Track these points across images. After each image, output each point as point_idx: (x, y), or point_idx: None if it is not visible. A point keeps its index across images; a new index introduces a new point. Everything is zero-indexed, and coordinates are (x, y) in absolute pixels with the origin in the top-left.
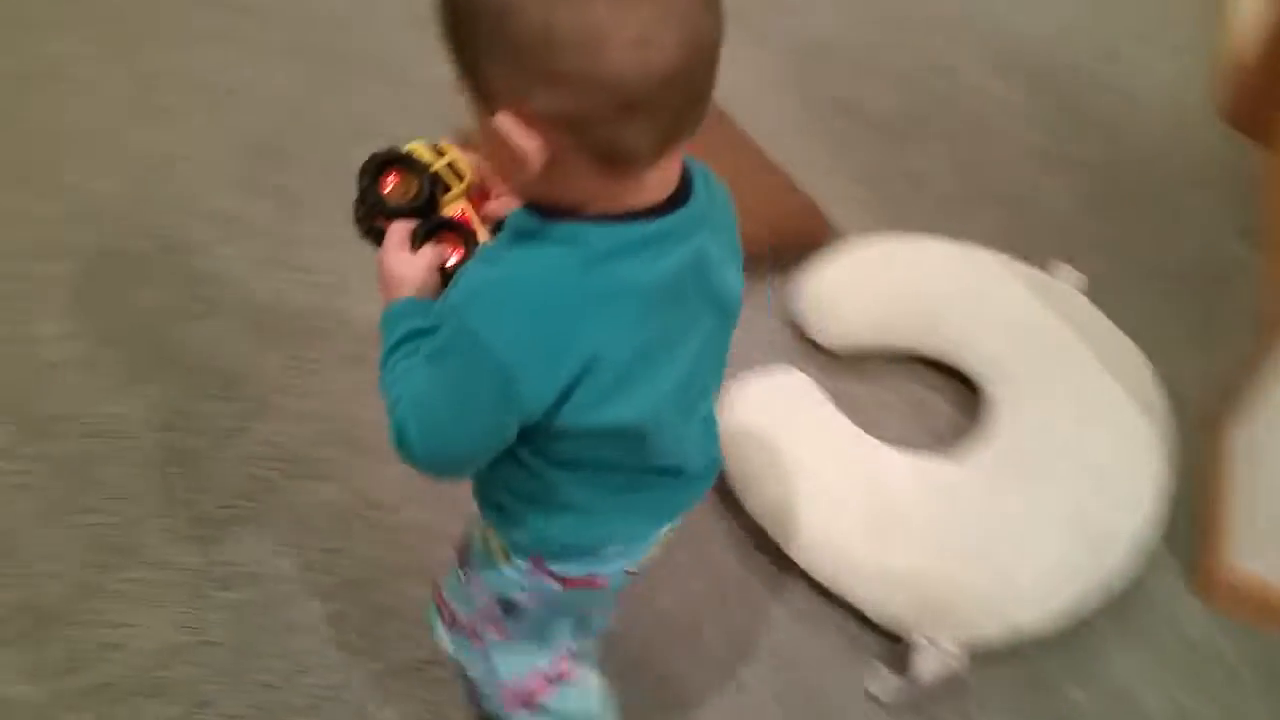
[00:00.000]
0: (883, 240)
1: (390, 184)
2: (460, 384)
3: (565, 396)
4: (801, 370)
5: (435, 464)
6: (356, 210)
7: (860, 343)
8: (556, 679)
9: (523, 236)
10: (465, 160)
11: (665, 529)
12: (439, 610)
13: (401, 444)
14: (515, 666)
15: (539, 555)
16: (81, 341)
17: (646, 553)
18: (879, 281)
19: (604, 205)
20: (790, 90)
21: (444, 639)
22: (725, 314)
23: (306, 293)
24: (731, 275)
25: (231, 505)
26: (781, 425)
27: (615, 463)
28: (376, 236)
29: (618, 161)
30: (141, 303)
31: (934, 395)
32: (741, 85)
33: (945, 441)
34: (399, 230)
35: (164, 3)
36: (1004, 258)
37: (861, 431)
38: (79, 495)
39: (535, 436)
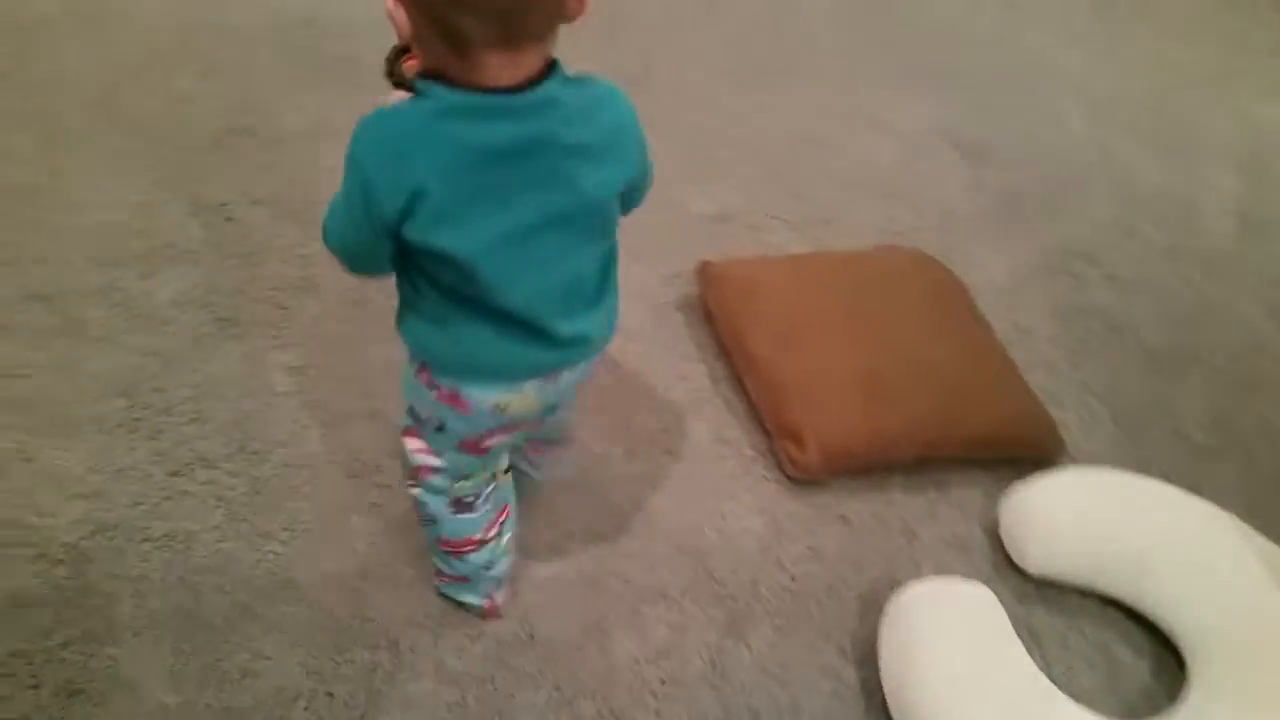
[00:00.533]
0: (1111, 471)
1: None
2: (346, 192)
3: (407, 214)
4: (991, 587)
5: (338, 253)
6: (387, 72)
7: (1061, 574)
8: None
9: (415, 92)
10: None
11: (529, 389)
12: (407, 469)
13: (323, 237)
14: (435, 509)
15: (424, 364)
16: (307, 378)
17: (518, 401)
18: (1095, 514)
19: (456, 75)
20: (1047, 290)
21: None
22: (583, 203)
23: None
24: (595, 174)
25: (397, 569)
26: (954, 640)
27: (466, 293)
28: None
29: (459, 43)
30: (373, 357)
31: (1132, 655)
32: (997, 273)
33: (1136, 713)
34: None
35: None
36: (1241, 523)
37: (1040, 673)
38: (263, 519)
39: (406, 253)
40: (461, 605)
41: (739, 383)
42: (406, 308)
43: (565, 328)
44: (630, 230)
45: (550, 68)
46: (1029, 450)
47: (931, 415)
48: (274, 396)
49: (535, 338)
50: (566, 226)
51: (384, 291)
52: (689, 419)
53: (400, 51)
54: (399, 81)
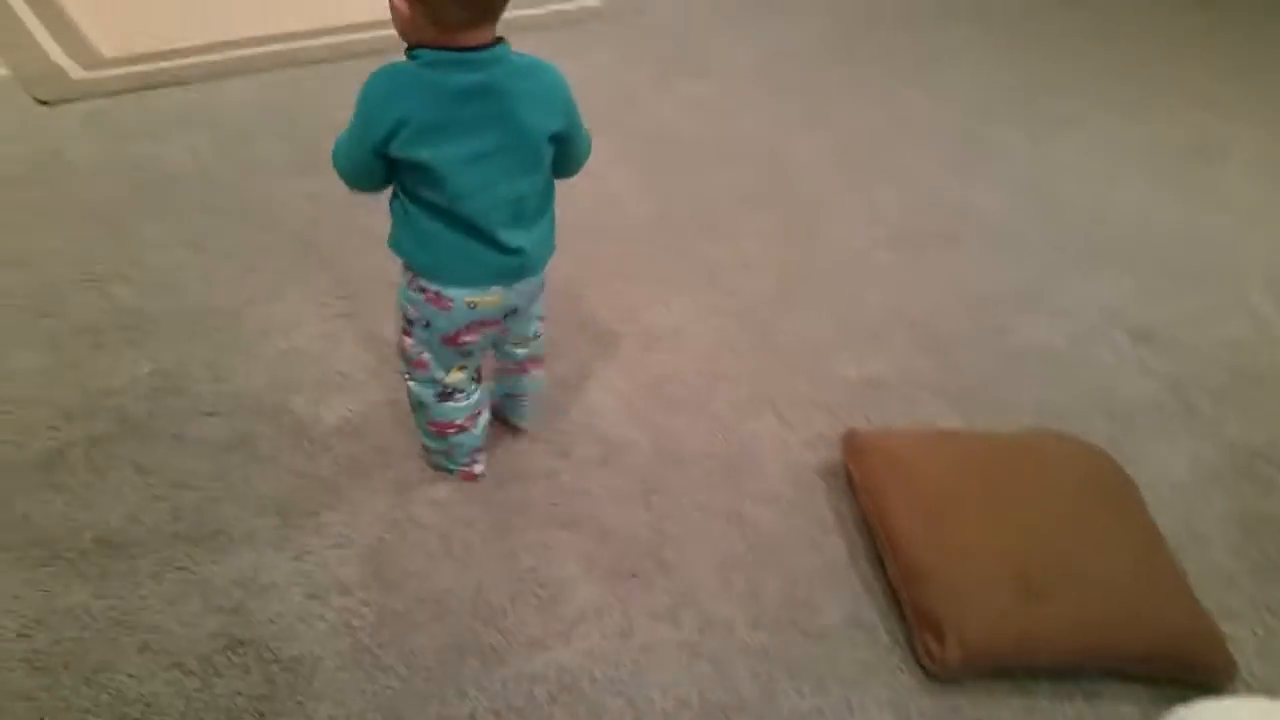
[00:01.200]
0: None
1: None
2: (352, 123)
3: (393, 135)
4: None
5: (342, 171)
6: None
7: None
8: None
9: (409, 58)
10: None
11: (504, 296)
12: (400, 358)
13: (332, 161)
14: (422, 394)
15: (411, 269)
16: (448, 514)
17: (492, 310)
18: None
19: (440, 43)
20: (1227, 494)
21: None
22: (523, 136)
23: None
24: (531, 115)
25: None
26: None
27: (439, 204)
28: None
29: (443, 24)
30: (513, 497)
31: None
32: (1169, 471)
33: None
34: None
35: None
36: None
37: None
38: (386, 652)
39: (395, 172)
40: (448, 471)
41: (879, 560)
42: (397, 225)
43: (511, 239)
44: (777, 387)
45: (499, 39)
46: (1195, 670)
47: (1087, 621)
48: (415, 528)
49: (490, 246)
50: (511, 154)
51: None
52: (823, 594)
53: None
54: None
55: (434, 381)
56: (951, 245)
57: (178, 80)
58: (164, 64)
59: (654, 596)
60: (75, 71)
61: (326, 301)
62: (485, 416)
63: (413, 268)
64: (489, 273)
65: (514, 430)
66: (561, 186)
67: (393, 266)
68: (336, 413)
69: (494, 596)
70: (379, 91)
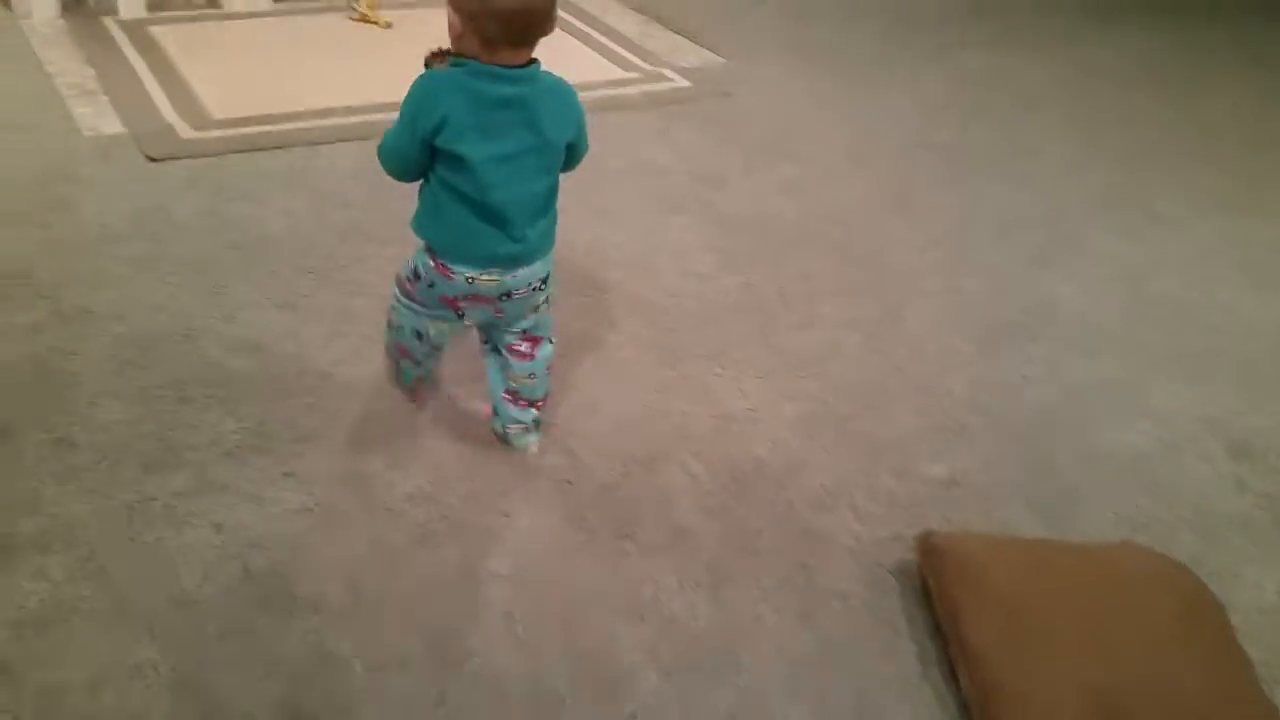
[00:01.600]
0: None
1: (435, 60)
2: (400, 118)
3: (437, 131)
4: None
5: (386, 161)
6: (426, 64)
7: None
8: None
9: (452, 65)
10: None
11: (500, 277)
12: (396, 284)
13: (378, 153)
14: (400, 319)
15: (428, 244)
16: (514, 589)
17: (490, 288)
18: None
19: (483, 59)
20: None
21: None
22: (544, 143)
23: None
24: (552, 126)
25: None
26: None
27: (466, 192)
28: None
29: (488, 42)
30: (581, 582)
31: None
32: (1262, 595)
33: None
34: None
35: None
36: None
37: None
38: None
39: (434, 163)
40: (394, 378)
41: (952, 672)
42: (423, 211)
43: (520, 230)
44: (853, 480)
45: (534, 60)
46: None
47: None
48: (479, 604)
49: (501, 233)
50: (534, 156)
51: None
52: (890, 703)
53: (433, 56)
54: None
55: (414, 315)
56: (1038, 340)
57: (279, 144)
58: (268, 127)
59: (718, 694)
60: (185, 131)
61: None
62: (425, 370)
63: (430, 246)
64: (492, 257)
65: (579, 514)
66: (649, 265)
67: None
68: (413, 481)
69: (553, 683)
70: (427, 91)
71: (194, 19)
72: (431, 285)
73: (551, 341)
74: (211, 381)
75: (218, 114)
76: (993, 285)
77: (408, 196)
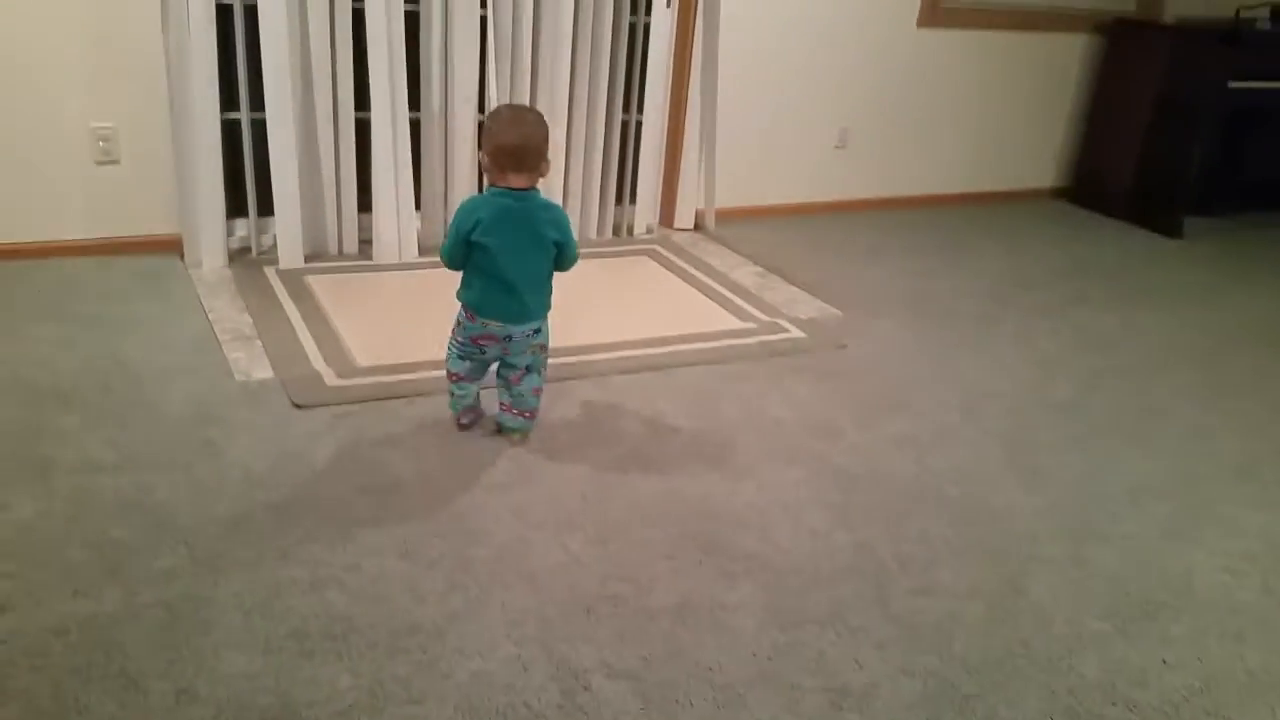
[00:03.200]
0: None
1: None
2: (453, 225)
3: (474, 229)
4: None
5: (447, 259)
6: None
7: None
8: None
9: (486, 190)
10: None
11: (506, 325)
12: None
13: (440, 255)
14: (451, 350)
15: (464, 303)
16: None
17: (498, 330)
18: None
19: (500, 184)
20: None
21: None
22: (540, 239)
23: None
24: (545, 229)
25: None
26: None
27: (489, 269)
28: None
29: (501, 169)
30: None
31: None
32: None
33: None
34: None
35: None
36: None
37: None
38: None
39: (470, 253)
40: (452, 408)
41: None
42: (463, 283)
43: (525, 296)
44: None
45: (534, 187)
46: None
47: None
48: None
49: (511, 297)
50: (531, 248)
51: None
52: None
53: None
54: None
55: (459, 348)
56: (1175, 620)
57: (417, 391)
58: (407, 375)
59: None
60: (330, 378)
61: (521, 621)
62: (475, 389)
63: (465, 304)
64: (498, 310)
65: None
66: (763, 520)
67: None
68: None
69: None
70: (469, 206)
71: (347, 269)
72: (464, 327)
73: (540, 375)
74: (333, 634)
75: (362, 361)
76: (1122, 556)
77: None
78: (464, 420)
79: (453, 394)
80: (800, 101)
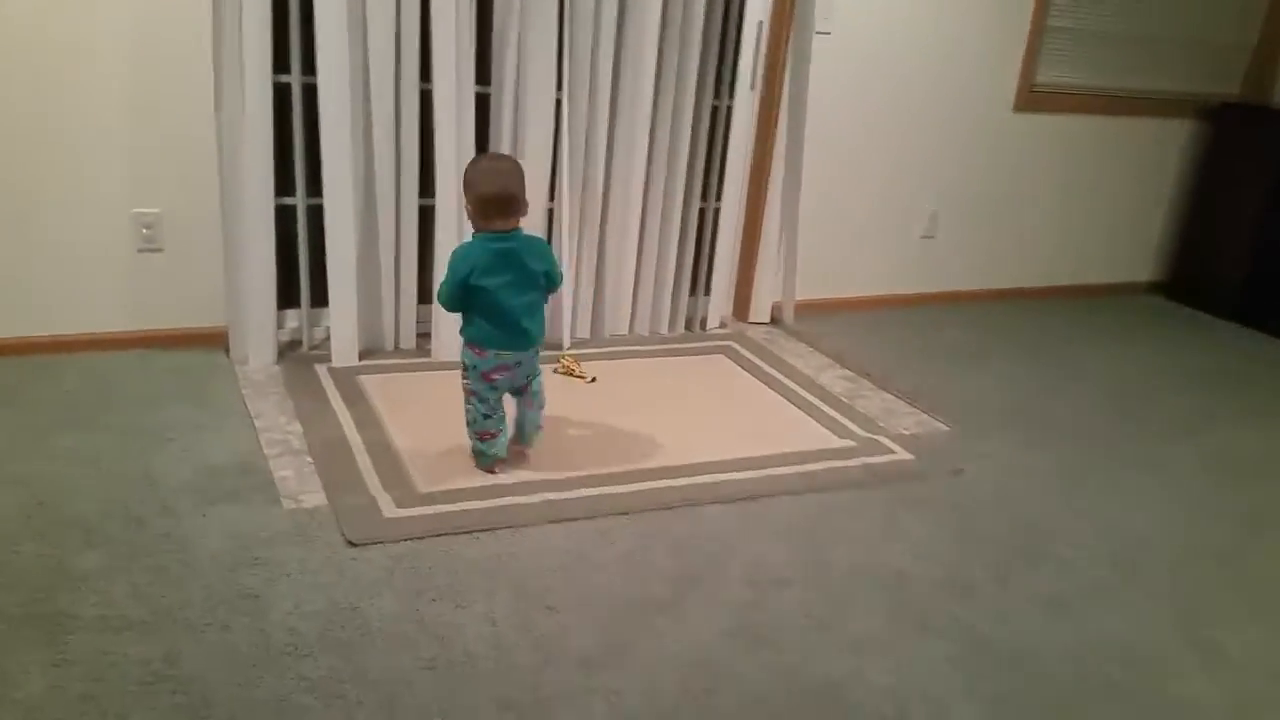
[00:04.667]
0: None
1: None
2: (448, 274)
3: (470, 274)
4: None
5: (445, 302)
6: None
7: None
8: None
9: (474, 238)
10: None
11: (514, 354)
12: (465, 396)
13: (437, 298)
14: (474, 415)
15: (470, 340)
16: None
17: (509, 359)
18: None
19: (486, 229)
20: None
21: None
22: (529, 274)
23: None
24: (532, 263)
25: None
26: None
27: (491, 307)
28: None
29: (486, 216)
30: None
31: None
32: None
33: None
34: None
35: None
36: None
37: None
38: None
39: (468, 295)
40: (479, 460)
41: None
42: (466, 323)
43: (524, 324)
44: None
45: (517, 226)
46: None
47: None
48: None
49: (512, 328)
50: (524, 282)
51: None
52: None
53: None
54: None
55: (479, 403)
56: None
57: (483, 524)
58: (472, 504)
59: None
60: (388, 507)
61: None
62: (505, 435)
63: (471, 340)
64: (505, 341)
65: None
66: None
67: None
68: None
69: None
70: (462, 253)
71: (404, 368)
72: (475, 367)
73: (540, 383)
74: None
75: (422, 484)
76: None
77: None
78: (496, 470)
79: (484, 453)
80: (887, 188)
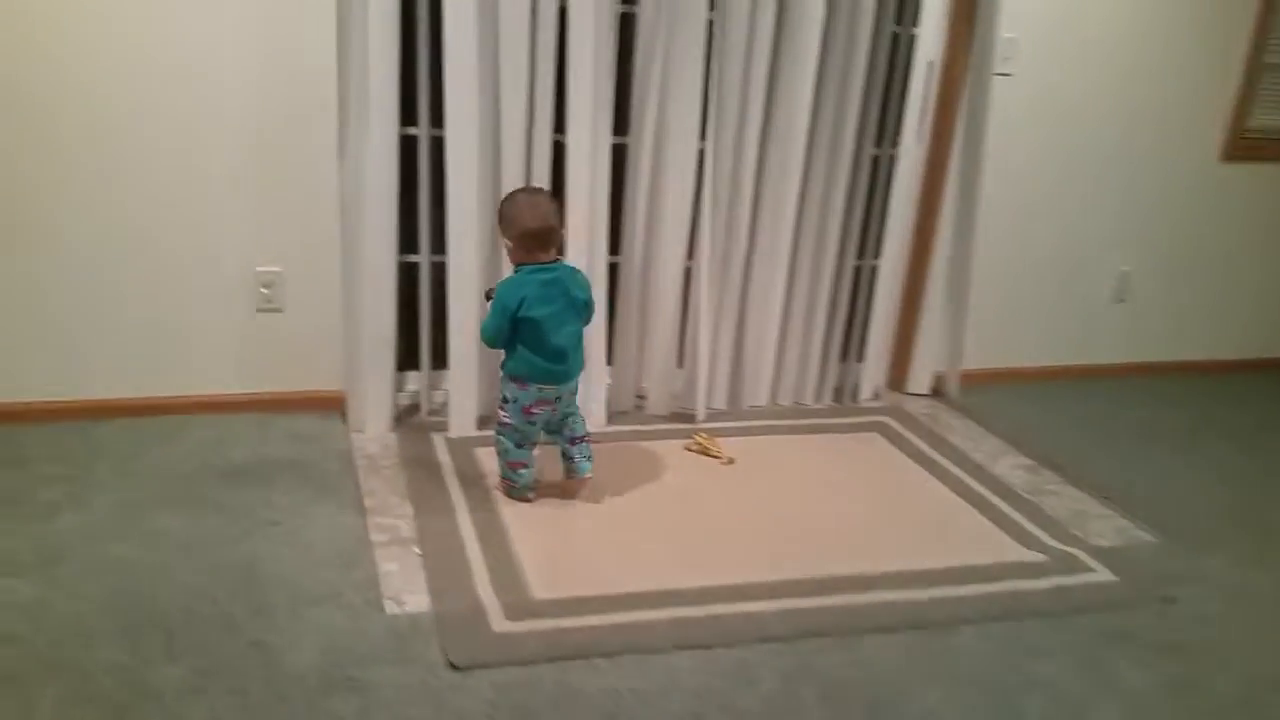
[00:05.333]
0: None
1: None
2: (497, 309)
3: (519, 307)
4: None
5: (489, 338)
6: (486, 297)
7: None
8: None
9: (516, 271)
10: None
11: (557, 387)
12: (497, 427)
13: (481, 335)
14: (506, 445)
15: (514, 375)
16: None
17: (551, 393)
18: None
19: (528, 261)
20: None
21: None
22: (574, 303)
23: None
24: (577, 291)
25: None
26: None
27: (538, 339)
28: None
29: (529, 250)
30: None
31: None
32: None
33: None
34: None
35: None
36: None
37: None
38: None
39: (517, 327)
40: (510, 491)
41: None
42: (510, 358)
43: (571, 357)
44: None
45: (559, 259)
46: None
47: None
48: None
49: (558, 361)
50: (569, 312)
51: None
52: None
53: (489, 292)
54: (489, 298)
55: (513, 434)
56: None
57: (604, 649)
58: (591, 619)
59: None
60: (498, 619)
61: None
62: (533, 471)
63: (515, 374)
64: (548, 375)
65: None
66: None
67: None
68: None
69: None
70: (512, 286)
71: None
72: (515, 401)
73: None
74: None
75: (538, 589)
76: None
77: None
78: (531, 495)
79: (515, 482)
80: (1071, 245)
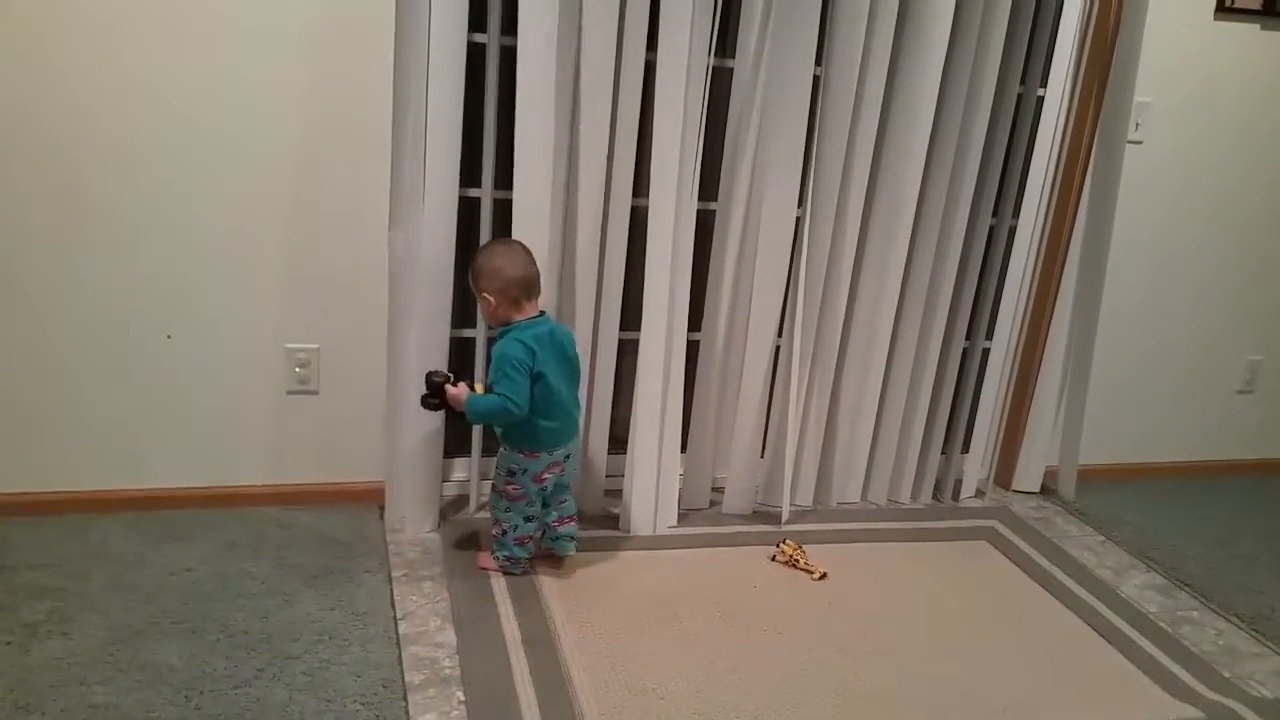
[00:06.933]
0: None
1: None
2: (516, 375)
3: (533, 361)
4: None
5: (517, 406)
6: (425, 401)
7: None
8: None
9: (502, 334)
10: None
11: (563, 449)
12: (494, 493)
13: (515, 411)
14: (515, 520)
15: (517, 444)
16: None
17: (560, 454)
18: None
19: (517, 316)
20: None
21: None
22: (567, 358)
23: None
24: (569, 348)
25: None
26: None
27: (547, 399)
28: (435, 406)
29: (515, 301)
30: None
31: None
32: None
33: None
34: (453, 390)
35: None
36: None
37: None
38: None
39: (532, 386)
40: (514, 568)
41: None
42: (515, 430)
43: (575, 412)
44: None
45: (543, 311)
46: None
47: None
48: None
49: (565, 417)
50: (567, 368)
51: None
52: None
53: (438, 384)
54: (434, 396)
55: (526, 507)
56: None
57: None
58: None
59: None
60: None
61: None
62: (534, 541)
63: (521, 447)
64: (557, 435)
65: None
66: None
67: None
68: None
69: None
70: (519, 342)
71: (585, 543)
72: (525, 471)
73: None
74: None
75: None
76: None
77: None
78: (530, 569)
79: (519, 558)
80: (1196, 331)
